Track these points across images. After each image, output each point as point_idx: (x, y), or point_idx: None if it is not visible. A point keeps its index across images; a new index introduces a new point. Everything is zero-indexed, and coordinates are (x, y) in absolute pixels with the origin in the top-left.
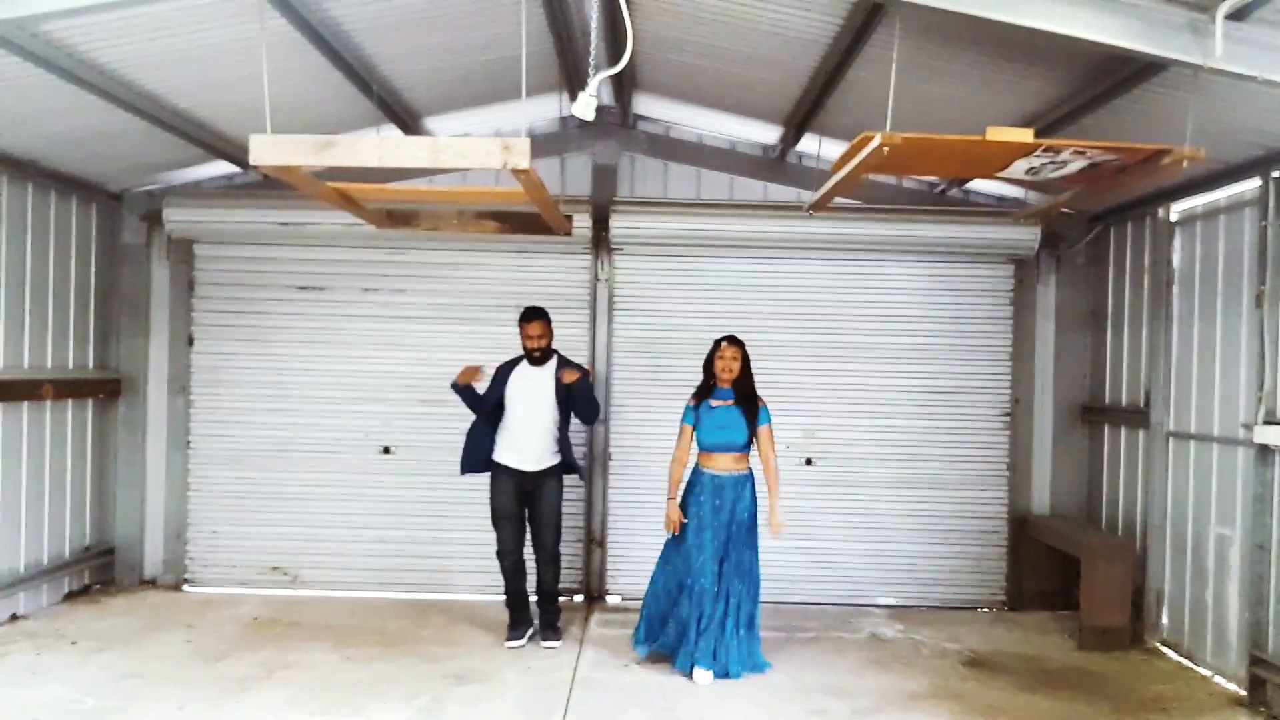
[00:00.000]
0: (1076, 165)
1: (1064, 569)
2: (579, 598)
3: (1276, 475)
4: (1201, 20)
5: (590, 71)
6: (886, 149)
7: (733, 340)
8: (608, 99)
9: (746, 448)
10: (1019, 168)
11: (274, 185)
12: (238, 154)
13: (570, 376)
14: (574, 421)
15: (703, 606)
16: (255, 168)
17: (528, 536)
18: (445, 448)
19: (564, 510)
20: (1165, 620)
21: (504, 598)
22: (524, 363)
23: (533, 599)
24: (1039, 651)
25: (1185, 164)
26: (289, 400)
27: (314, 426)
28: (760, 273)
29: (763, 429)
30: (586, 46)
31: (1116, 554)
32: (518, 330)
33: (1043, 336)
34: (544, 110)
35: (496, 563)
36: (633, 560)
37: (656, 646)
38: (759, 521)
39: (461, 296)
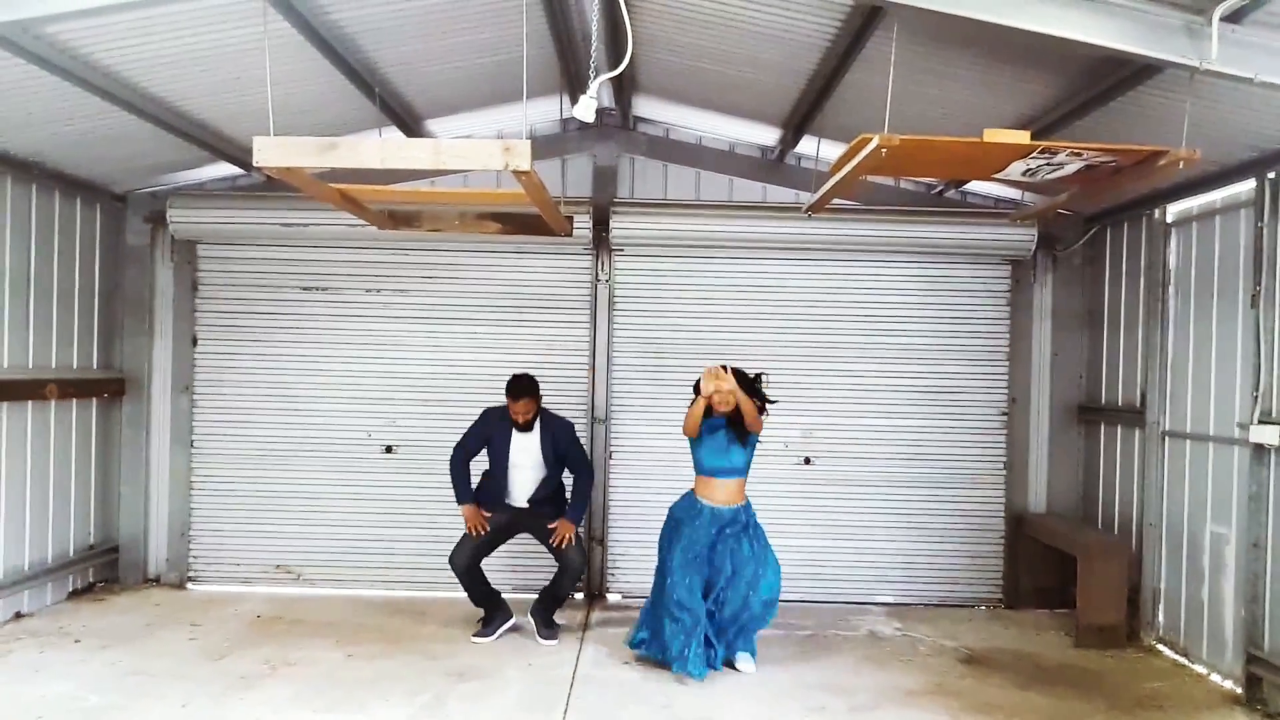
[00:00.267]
0: (1073, 167)
1: (1060, 567)
2: (579, 595)
3: (1272, 474)
4: (1197, 23)
5: (591, 74)
6: (884, 150)
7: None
8: (608, 101)
9: (744, 471)
10: (1016, 169)
11: (277, 187)
12: (241, 156)
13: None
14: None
15: (694, 628)
16: (258, 169)
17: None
18: (447, 447)
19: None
20: (1161, 618)
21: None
22: (513, 429)
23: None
24: (1035, 649)
25: (1181, 165)
26: (292, 400)
27: (317, 426)
28: (759, 273)
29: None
30: (587, 49)
31: (1113, 552)
32: (505, 402)
33: (1039, 337)
34: (545, 112)
35: (496, 561)
36: (633, 558)
37: (645, 652)
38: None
39: (463, 297)
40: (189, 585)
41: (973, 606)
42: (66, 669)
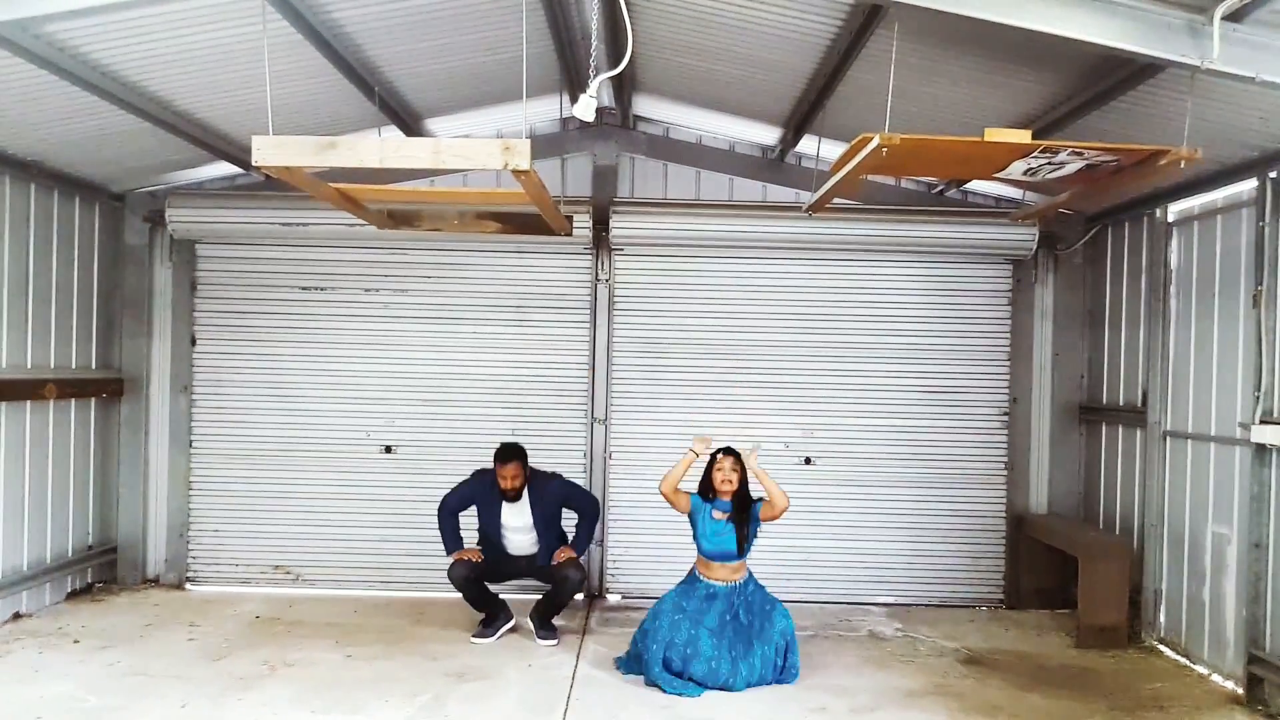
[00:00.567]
0: (1074, 166)
1: (1062, 568)
2: (579, 596)
3: (1273, 474)
4: (1199, 22)
5: (590, 73)
6: (885, 150)
7: (729, 451)
8: (608, 100)
9: (742, 556)
10: (1017, 168)
11: (276, 186)
12: (240, 155)
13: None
14: (574, 419)
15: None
16: (257, 169)
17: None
18: (447, 447)
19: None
20: (1162, 619)
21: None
22: (502, 501)
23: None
24: (1036, 650)
25: (1182, 165)
26: (291, 400)
27: (316, 426)
28: (759, 273)
29: (764, 513)
30: (587, 48)
31: (1114, 553)
32: (494, 467)
33: (1040, 336)
34: (545, 111)
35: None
36: (632, 559)
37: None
38: (766, 602)
39: (462, 297)
40: (188, 586)
41: (974, 607)
42: (65, 669)
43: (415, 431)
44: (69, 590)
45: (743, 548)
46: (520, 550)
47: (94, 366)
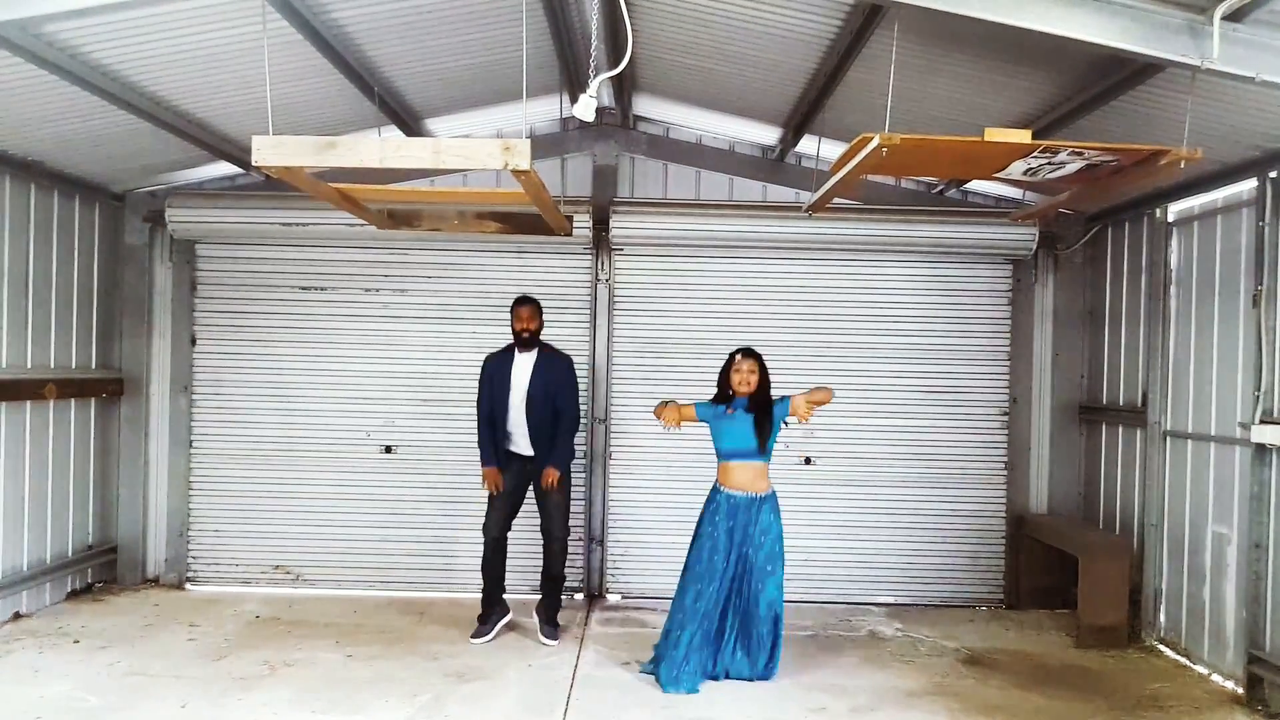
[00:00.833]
0: (1074, 166)
1: (1062, 567)
2: (579, 596)
3: (1273, 474)
4: (1199, 22)
5: (590, 73)
6: (885, 150)
7: (749, 353)
8: (608, 100)
9: (763, 455)
10: (1017, 168)
11: (276, 186)
12: (240, 155)
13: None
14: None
15: (700, 624)
16: (257, 169)
17: (516, 521)
18: (447, 447)
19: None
20: (1162, 619)
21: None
22: (514, 353)
23: (528, 596)
24: (1037, 649)
25: (1183, 165)
26: (291, 400)
27: (316, 426)
28: (760, 273)
29: (795, 404)
30: (587, 48)
31: (1114, 552)
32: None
33: (1040, 336)
34: (544, 111)
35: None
36: (633, 559)
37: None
38: (782, 550)
39: (462, 297)
40: (188, 586)
41: (974, 607)
42: (66, 669)
43: (415, 431)
44: (69, 590)
45: (764, 444)
46: (521, 430)
47: (94, 366)
